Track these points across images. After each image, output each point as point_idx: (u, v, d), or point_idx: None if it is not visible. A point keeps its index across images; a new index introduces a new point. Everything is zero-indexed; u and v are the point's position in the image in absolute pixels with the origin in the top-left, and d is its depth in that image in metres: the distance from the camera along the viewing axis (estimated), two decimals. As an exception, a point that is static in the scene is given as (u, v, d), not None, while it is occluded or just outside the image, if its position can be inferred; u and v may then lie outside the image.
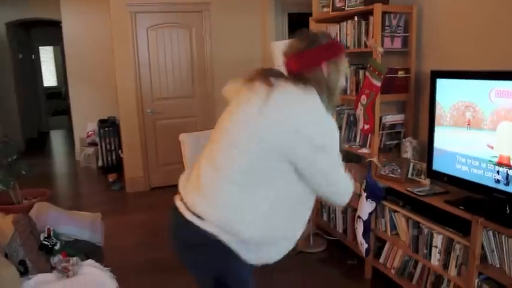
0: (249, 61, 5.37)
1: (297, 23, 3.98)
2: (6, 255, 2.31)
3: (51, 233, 2.48)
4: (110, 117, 6.54)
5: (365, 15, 2.97)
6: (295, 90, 1.50)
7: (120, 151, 5.95)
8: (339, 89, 1.62)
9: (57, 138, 9.95)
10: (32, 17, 7.63)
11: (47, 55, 11.12)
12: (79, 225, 2.64)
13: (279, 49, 3.41)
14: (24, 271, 2.32)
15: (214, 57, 5.46)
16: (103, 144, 6.40)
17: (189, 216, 1.55)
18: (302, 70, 1.55)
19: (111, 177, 5.85)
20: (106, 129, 6.31)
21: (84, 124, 6.93)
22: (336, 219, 3.59)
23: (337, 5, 3.19)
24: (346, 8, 3.10)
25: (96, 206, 4.94)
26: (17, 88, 8.13)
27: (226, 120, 1.59)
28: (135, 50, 5.16)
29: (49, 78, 11.65)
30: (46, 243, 2.44)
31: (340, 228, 3.54)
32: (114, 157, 6.25)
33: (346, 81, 3.20)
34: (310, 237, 3.65)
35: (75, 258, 2.39)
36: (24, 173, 3.16)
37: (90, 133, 6.85)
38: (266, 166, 1.49)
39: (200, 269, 1.68)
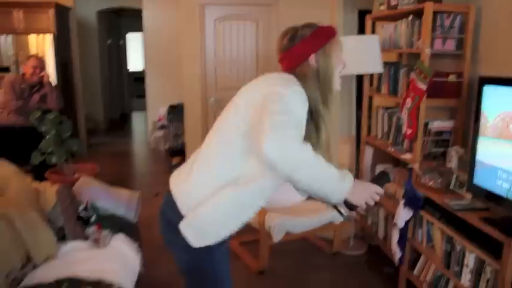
0: (314, 57, 5.31)
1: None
2: (49, 221, 2.55)
3: (89, 206, 2.67)
4: (179, 103, 6.82)
5: (420, 14, 2.81)
6: (279, 74, 1.55)
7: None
8: (335, 78, 1.57)
9: (136, 120, 10.59)
10: (118, 5, 8.18)
11: (135, 41, 11.78)
12: (115, 201, 2.82)
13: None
14: (62, 237, 2.54)
15: (279, 51, 5.47)
16: (171, 128, 6.72)
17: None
18: (293, 67, 1.55)
19: (175, 161, 6.12)
20: (174, 114, 6.61)
21: (157, 108, 7.31)
22: (378, 224, 3.46)
23: (392, 3, 3.06)
24: (399, 7, 2.96)
25: (155, 186, 5.21)
26: (102, 72, 8.77)
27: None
28: (202, 40, 5.32)
29: (136, 63, 12.34)
30: (83, 214, 2.64)
31: (381, 234, 3.41)
32: (179, 141, 6.53)
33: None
34: (351, 239, 3.56)
35: (106, 231, 2.57)
36: (75, 149, 3.44)
37: (161, 117, 7.21)
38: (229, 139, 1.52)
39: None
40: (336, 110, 5.37)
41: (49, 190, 2.66)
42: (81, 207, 2.66)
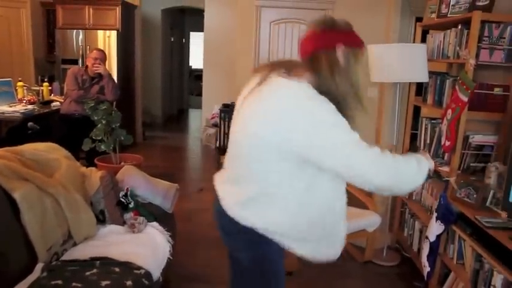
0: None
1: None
2: (91, 203, 2.74)
3: (129, 193, 2.84)
4: (232, 102, 6.98)
5: (469, 23, 2.73)
6: (285, 80, 1.49)
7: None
8: (358, 76, 1.54)
9: (192, 116, 10.92)
10: (182, 5, 8.50)
11: (197, 40, 12.16)
12: (154, 191, 2.97)
13: (375, 53, 3.32)
14: (102, 219, 2.73)
15: (332, 56, 5.47)
16: (222, 126, 6.88)
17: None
18: (317, 51, 1.50)
19: (223, 159, 6.27)
20: (226, 113, 6.76)
21: (212, 106, 7.51)
22: (413, 236, 3.39)
23: (442, 11, 2.98)
24: (448, 15, 2.88)
25: (201, 181, 5.39)
26: (164, 68, 9.13)
27: (232, 125, 1.69)
28: (257, 42, 5.44)
29: (198, 61, 12.72)
30: (123, 200, 2.80)
31: (415, 247, 3.34)
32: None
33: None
34: (384, 249, 3.51)
35: (142, 218, 2.72)
36: (122, 138, 3.66)
37: (214, 115, 7.41)
38: (263, 169, 1.53)
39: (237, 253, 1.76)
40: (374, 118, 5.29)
41: (94, 175, 2.85)
42: (121, 194, 2.83)
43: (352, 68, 1.52)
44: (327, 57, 1.49)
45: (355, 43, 1.54)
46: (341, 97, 1.48)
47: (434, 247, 2.73)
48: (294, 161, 1.48)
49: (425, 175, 1.59)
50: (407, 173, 1.54)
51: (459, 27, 2.83)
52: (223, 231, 1.75)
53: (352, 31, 1.56)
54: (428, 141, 3.29)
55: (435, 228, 2.70)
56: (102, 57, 4.56)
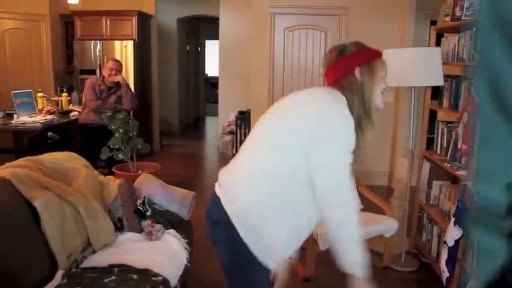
0: (382, 67, 5.25)
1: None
2: (110, 211, 2.79)
3: (146, 201, 2.88)
4: (248, 109, 7.02)
5: (483, 26, 2.71)
6: (325, 90, 1.63)
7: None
8: (376, 94, 1.61)
9: (208, 124, 11.00)
10: (197, 13, 8.60)
11: (213, 48, 12.27)
12: (170, 198, 3.00)
13: (390, 58, 3.31)
14: (120, 227, 2.77)
15: (347, 61, 5.46)
16: (238, 134, 6.93)
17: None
18: (338, 79, 1.62)
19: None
20: (242, 120, 6.81)
21: (228, 113, 7.56)
22: (431, 241, 3.35)
23: (457, 14, 2.97)
24: (462, 18, 2.87)
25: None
26: (180, 77, 9.23)
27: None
28: (272, 48, 5.46)
29: (213, 69, 12.83)
30: (140, 208, 2.84)
31: (434, 252, 3.30)
32: (245, 147, 6.71)
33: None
34: (402, 255, 3.48)
35: (159, 226, 2.76)
36: (140, 147, 3.72)
37: (230, 122, 7.46)
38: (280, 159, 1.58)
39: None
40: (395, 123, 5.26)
41: (112, 183, 2.90)
42: (139, 201, 2.87)
43: (368, 82, 1.59)
44: (347, 83, 1.60)
45: (368, 58, 1.61)
46: (356, 118, 1.57)
47: (453, 252, 2.70)
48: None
49: (358, 264, 1.60)
50: (354, 237, 1.58)
51: (473, 29, 2.82)
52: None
53: (362, 48, 1.63)
54: (445, 145, 3.26)
55: (453, 233, 2.67)
56: (118, 67, 4.64)
